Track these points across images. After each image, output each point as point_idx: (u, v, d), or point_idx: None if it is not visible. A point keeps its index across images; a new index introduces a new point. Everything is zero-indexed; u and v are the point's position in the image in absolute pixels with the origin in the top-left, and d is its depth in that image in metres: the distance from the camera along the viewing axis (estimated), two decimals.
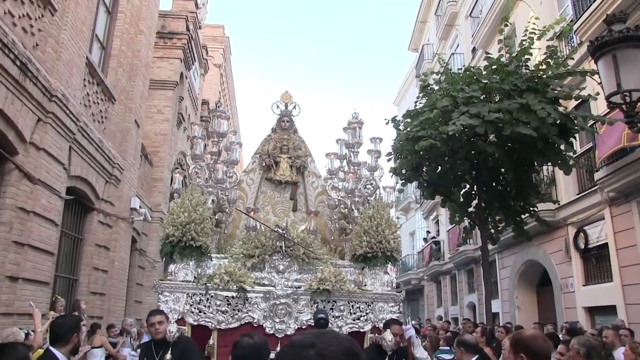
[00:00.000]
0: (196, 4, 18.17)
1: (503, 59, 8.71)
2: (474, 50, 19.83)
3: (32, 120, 7.31)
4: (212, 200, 6.35)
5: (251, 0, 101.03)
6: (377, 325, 5.76)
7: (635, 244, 9.83)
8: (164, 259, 14.78)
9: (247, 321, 5.68)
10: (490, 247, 10.97)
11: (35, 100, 7.22)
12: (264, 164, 7.25)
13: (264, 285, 5.86)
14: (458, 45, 23.02)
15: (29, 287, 7.27)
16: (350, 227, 6.47)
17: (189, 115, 18.88)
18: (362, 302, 5.90)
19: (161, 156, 15.15)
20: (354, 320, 5.83)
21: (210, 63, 23.94)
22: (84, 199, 9.77)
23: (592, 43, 4.74)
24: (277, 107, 7.40)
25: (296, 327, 5.69)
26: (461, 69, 9.68)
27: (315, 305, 5.80)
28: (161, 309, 5.35)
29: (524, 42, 8.78)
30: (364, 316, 5.87)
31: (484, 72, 8.53)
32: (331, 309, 5.81)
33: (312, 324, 5.55)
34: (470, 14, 20.42)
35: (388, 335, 4.82)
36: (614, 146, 9.49)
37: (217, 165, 6.49)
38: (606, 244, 10.92)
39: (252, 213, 6.45)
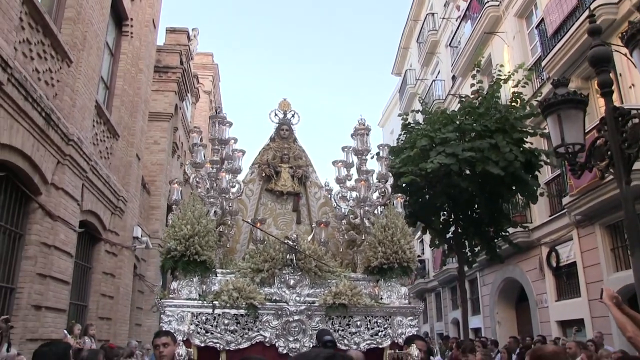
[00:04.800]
0: (188, 37, 19.04)
1: (476, 102, 9.69)
2: (453, 77, 20.74)
3: (53, 163, 8.09)
4: (215, 211, 6.05)
5: (239, 28, 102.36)
6: (396, 341, 5.54)
7: (599, 262, 10.81)
8: (162, 279, 15.48)
9: (258, 340, 5.40)
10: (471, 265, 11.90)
11: (55, 145, 8.01)
12: (263, 174, 6.97)
13: (274, 301, 5.57)
14: (439, 72, 23.78)
15: (50, 315, 7.98)
16: (362, 238, 6.22)
17: (182, 143, 19.65)
18: (379, 317, 5.66)
19: (158, 185, 15.90)
20: (371, 336, 5.59)
21: (200, 90, 24.69)
22: (93, 231, 10.51)
23: (541, 104, 5.72)
24: (276, 115, 7.17)
25: (311, 345, 5.32)
26: (443, 102, 10.53)
27: (331, 321, 5.57)
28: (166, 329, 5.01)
29: (493, 86, 9.79)
30: (382, 331, 5.62)
31: (459, 115, 9.50)
32: (347, 324, 5.57)
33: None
34: (450, 43, 21.15)
35: (414, 351, 4.54)
36: (591, 179, 10.13)
37: (221, 174, 6.18)
38: (575, 263, 11.91)
39: (258, 224, 6.19)
